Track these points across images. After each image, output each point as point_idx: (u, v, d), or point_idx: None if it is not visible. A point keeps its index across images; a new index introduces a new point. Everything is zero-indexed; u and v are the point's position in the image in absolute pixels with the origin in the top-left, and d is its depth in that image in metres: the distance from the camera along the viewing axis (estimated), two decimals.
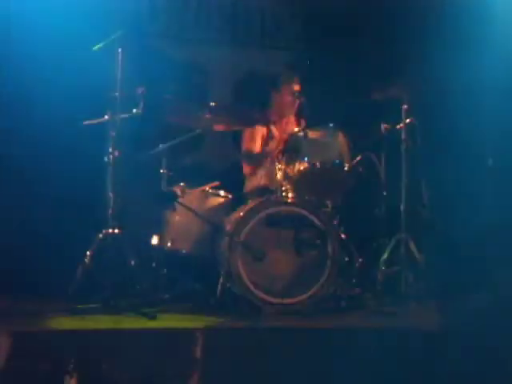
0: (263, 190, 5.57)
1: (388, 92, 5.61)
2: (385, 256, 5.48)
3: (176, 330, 4.34)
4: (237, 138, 6.03)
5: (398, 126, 5.64)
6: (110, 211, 4.96)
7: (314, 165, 5.11)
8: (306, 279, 4.93)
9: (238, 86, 6.56)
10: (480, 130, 5.99)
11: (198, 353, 4.07)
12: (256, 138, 5.90)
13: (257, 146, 5.91)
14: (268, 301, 4.85)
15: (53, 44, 5.39)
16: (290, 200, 5.11)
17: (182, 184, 5.32)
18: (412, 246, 5.45)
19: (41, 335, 4.11)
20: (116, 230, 4.96)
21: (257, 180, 5.78)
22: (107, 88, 5.01)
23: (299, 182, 5.15)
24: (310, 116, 5.74)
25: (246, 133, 5.94)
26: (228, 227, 5.04)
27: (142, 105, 5.12)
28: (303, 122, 5.89)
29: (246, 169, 5.96)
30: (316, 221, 4.99)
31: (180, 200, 5.21)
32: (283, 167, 5.20)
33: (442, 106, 6.00)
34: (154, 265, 5.19)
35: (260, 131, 5.91)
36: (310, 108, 5.63)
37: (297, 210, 5.03)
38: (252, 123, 5.74)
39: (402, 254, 5.46)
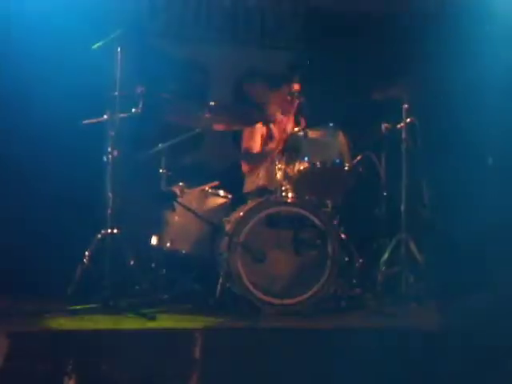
0: (263, 190, 5.56)
1: (388, 92, 5.60)
2: (385, 256, 5.47)
3: (175, 330, 4.32)
4: (237, 137, 6.03)
5: (398, 126, 5.62)
6: (109, 211, 4.94)
7: (314, 164, 5.10)
8: (305, 279, 4.91)
9: (238, 85, 6.56)
10: (480, 130, 5.99)
11: (198, 353, 4.06)
12: (256, 137, 5.89)
13: (256, 146, 5.90)
14: (268, 301, 4.83)
15: (52, 43, 5.40)
16: (289, 200, 5.10)
17: (181, 184, 5.31)
18: (412, 247, 5.44)
19: (39, 335, 4.10)
20: (115, 230, 4.94)
21: (256, 180, 5.77)
22: (106, 87, 4.99)
23: (299, 182, 5.14)
24: (309, 116, 5.75)
25: (246, 132, 5.93)
26: (228, 227, 5.03)
27: (141, 104, 5.11)
28: (303, 122, 5.88)
29: (245, 167, 5.96)
30: (316, 221, 4.97)
31: (179, 200, 5.21)
32: (283, 167, 5.19)
33: (442, 105, 6.00)
34: (153, 265, 5.19)
35: (260, 130, 5.90)
36: (309, 108, 5.62)
37: (297, 210, 5.02)
38: (252, 123, 5.73)
39: (402, 254, 5.45)
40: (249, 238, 4.87)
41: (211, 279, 4.99)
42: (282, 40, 6.73)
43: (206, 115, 5.23)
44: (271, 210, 4.97)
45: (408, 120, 5.58)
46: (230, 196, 5.41)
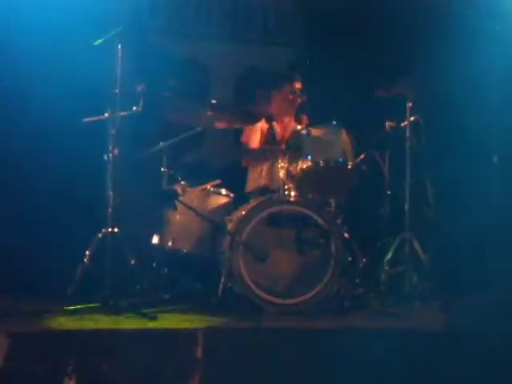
0: (265, 189, 5.53)
1: (393, 90, 5.57)
2: (389, 256, 5.46)
3: (176, 330, 4.30)
4: (238, 135, 6.00)
5: (402, 124, 5.60)
6: (109, 210, 4.91)
7: (318, 163, 5.08)
8: (308, 279, 4.89)
9: (239, 83, 6.54)
10: (485, 129, 5.97)
11: (199, 353, 4.04)
12: (255, 133, 5.85)
13: (254, 142, 5.86)
14: (270, 301, 4.81)
15: (52, 41, 5.39)
16: (292, 199, 5.07)
17: (182, 182, 5.29)
18: (416, 246, 5.43)
19: (39, 335, 4.08)
20: (116, 229, 4.92)
21: (259, 178, 5.73)
22: (107, 85, 4.96)
23: (302, 181, 5.11)
24: (309, 115, 5.72)
25: (246, 128, 5.88)
26: (229, 226, 5.01)
27: (142, 102, 5.09)
28: (305, 120, 5.84)
29: (245, 163, 5.91)
30: (319, 220, 4.95)
31: (181, 199, 5.18)
32: (286, 165, 5.17)
33: (446, 104, 5.96)
34: (154, 264, 5.16)
35: (260, 127, 5.85)
36: (309, 107, 5.60)
37: (299, 209, 4.99)
38: (253, 121, 5.69)
39: (406, 253, 5.44)
40: (251, 237, 4.84)
41: (213, 279, 4.97)
42: (284, 37, 6.74)
43: (208, 113, 5.21)
44: (274, 209, 4.95)
45: (412, 118, 5.57)
46: (231, 195, 5.39)
